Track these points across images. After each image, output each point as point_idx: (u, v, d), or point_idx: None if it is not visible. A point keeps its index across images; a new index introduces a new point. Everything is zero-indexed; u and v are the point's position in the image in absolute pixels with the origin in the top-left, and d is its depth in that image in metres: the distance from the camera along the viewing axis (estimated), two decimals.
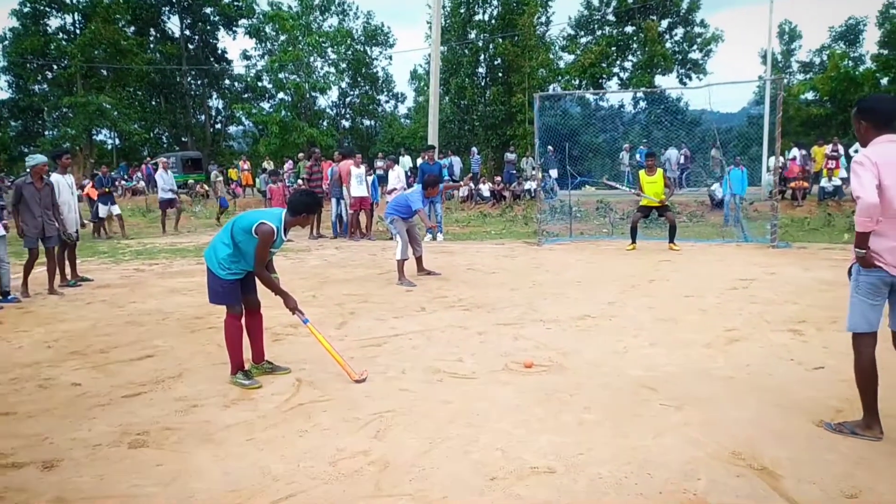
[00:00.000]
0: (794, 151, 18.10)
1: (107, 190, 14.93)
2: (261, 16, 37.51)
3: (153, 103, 40.26)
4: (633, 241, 11.06)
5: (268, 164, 26.02)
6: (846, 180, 17.02)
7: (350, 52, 38.95)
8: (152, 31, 39.69)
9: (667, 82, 35.21)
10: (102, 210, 14.91)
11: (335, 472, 3.04)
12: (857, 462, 3.03)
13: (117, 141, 38.30)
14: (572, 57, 35.66)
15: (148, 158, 32.22)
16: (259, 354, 4.59)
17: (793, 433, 3.37)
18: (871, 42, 48.28)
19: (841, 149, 17.54)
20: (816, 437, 3.33)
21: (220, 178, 21.65)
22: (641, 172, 11.17)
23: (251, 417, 3.75)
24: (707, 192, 17.58)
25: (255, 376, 4.42)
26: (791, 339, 5.15)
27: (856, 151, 17.31)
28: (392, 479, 2.95)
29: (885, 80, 30.13)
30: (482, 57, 33.86)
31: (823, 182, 16.85)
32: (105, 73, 35.17)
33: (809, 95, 33.60)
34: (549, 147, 18.09)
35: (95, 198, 14.98)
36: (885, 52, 30.19)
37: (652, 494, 2.77)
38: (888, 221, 3.14)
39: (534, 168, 21.64)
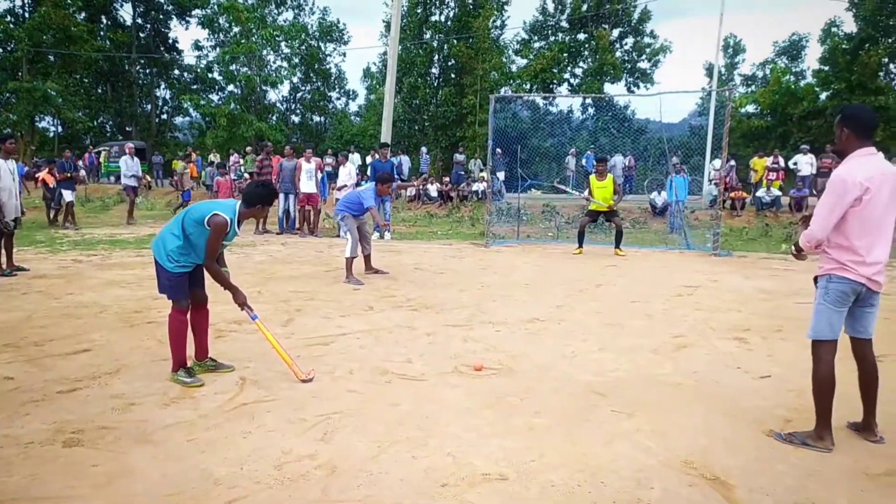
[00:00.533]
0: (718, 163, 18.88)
1: (69, 175, 14.16)
2: (215, 6, 36.46)
3: (99, 91, 38.69)
4: (580, 246, 11.23)
5: (214, 157, 25.27)
6: (784, 191, 17.82)
7: (304, 48, 38.30)
8: (104, 19, 38.09)
9: (615, 90, 36.12)
10: (68, 195, 14.18)
11: (280, 475, 2.93)
12: (809, 473, 3.04)
13: (60, 128, 36.48)
14: (525, 61, 36.10)
15: (91, 147, 30.83)
16: (202, 351, 4.40)
17: (743, 442, 3.39)
18: (812, 58, 50.66)
19: (781, 161, 18.31)
20: (767, 446, 3.35)
21: (187, 171, 20.63)
22: (592, 177, 11.32)
23: (192, 417, 3.59)
24: (648, 200, 18.08)
25: (197, 374, 4.24)
26: (736, 346, 5.27)
27: (794, 164, 18.20)
28: (340, 485, 2.86)
29: (823, 96, 31.65)
30: (436, 57, 33.98)
31: (761, 192, 17.56)
32: (52, 58, 33.46)
33: (750, 108, 35.00)
34: (498, 150, 18.27)
35: (52, 184, 14.20)
36: (826, 68, 31.64)
37: (605, 503, 2.76)
38: (862, 239, 3.20)
39: (481, 169, 21.83)
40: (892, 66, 30.99)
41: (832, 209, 3.17)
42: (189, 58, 39.95)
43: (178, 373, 4.14)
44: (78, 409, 3.69)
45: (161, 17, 39.26)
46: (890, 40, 29.84)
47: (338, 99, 42.98)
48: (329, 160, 16.60)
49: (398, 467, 3.04)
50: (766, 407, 3.90)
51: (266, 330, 4.33)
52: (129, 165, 15.13)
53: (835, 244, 3.26)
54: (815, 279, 3.40)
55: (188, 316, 4.22)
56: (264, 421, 3.55)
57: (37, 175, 14.75)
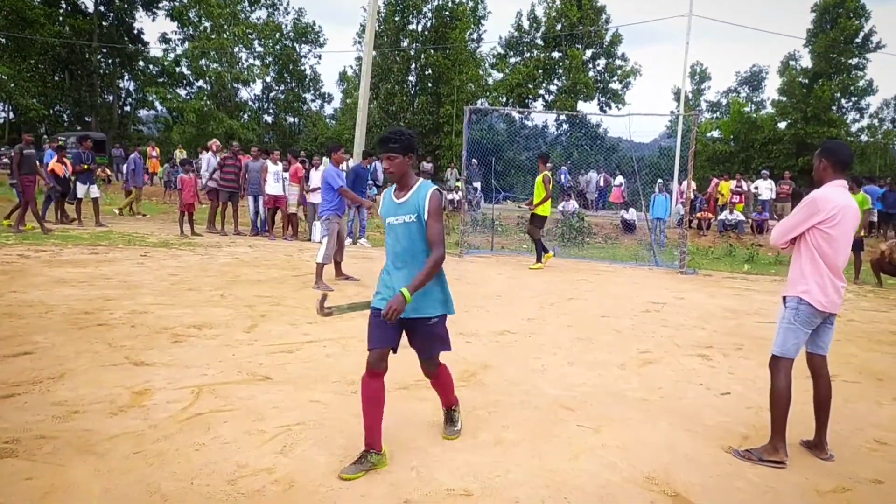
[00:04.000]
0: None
1: (86, 167, 13.05)
2: None
3: (56, 78, 37.17)
4: (546, 252, 10.91)
5: (180, 153, 24.65)
6: (745, 214, 18.36)
7: (278, 47, 37.88)
8: (63, 3, 36.70)
9: (588, 108, 36.62)
10: (81, 190, 13.12)
11: (233, 491, 2.78)
12: (764, 491, 3.11)
13: (11, 115, 35.05)
14: (501, 75, 36.42)
15: (45, 138, 29.77)
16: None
17: (704, 459, 3.43)
18: (771, 88, 52.60)
19: (744, 185, 18.86)
20: (725, 462, 3.40)
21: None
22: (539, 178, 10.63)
23: (141, 427, 3.39)
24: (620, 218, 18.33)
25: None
26: (700, 363, 5.32)
27: (755, 188, 18.81)
28: (297, 500, 2.74)
29: (782, 125, 32.81)
30: (413, 66, 34.00)
31: (724, 215, 17.98)
32: (4, 41, 32.17)
33: (715, 133, 36.06)
34: (474, 160, 18.33)
35: (62, 174, 13.00)
36: (784, 99, 32.87)
37: None
38: (830, 262, 3.38)
39: (458, 179, 21.87)
40: (843, 100, 32.40)
41: (799, 224, 3.42)
42: (155, 50, 38.88)
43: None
44: (14, 416, 3.44)
45: (126, 6, 37.64)
46: (841, 77, 31.26)
47: (312, 101, 42.62)
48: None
49: (360, 482, 2.92)
50: (726, 423, 3.96)
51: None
52: (212, 164, 13.54)
53: (808, 265, 3.41)
54: (784, 298, 3.52)
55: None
56: (220, 432, 3.38)
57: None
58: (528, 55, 36.30)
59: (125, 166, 14.75)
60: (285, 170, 13.39)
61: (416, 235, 3.11)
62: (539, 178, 10.50)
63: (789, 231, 3.47)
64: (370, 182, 14.35)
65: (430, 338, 3.25)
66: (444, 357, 5.07)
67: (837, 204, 3.34)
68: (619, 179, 21.72)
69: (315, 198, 12.16)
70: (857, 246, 10.65)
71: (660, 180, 16.76)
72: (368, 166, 12.93)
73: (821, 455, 3.50)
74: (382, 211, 3.21)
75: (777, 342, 3.49)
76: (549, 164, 10.86)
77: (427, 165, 23.47)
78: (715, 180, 20.54)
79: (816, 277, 3.38)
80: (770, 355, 3.54)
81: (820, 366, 3.56)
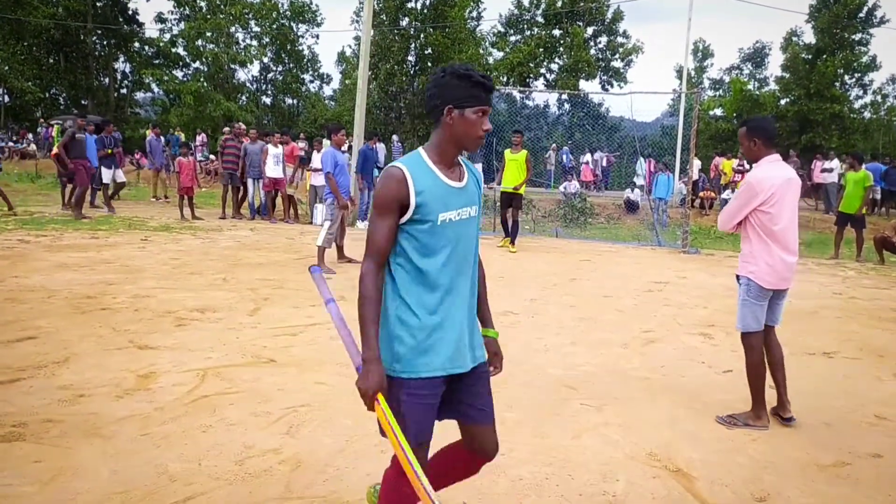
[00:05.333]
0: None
1: (109, 151, 12.96)
2: None
3: (51, 61, 36.74)
4: (507, 236, 10.66)
5: (178, 135, 24.51)
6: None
7: (275, 27, 37.44)
8: None
9: (590, 87, 36.32)
10: (107, 175, 13.00)
11: (241, 471, 2.81)
12: (765, 466, 3.14)
13: (6, 98, 34.78)
14: (501, 54, 36.06)
15: (41, 120, 29.56)
16: None
17: (705, 435, 3.47)
18: (774, 65, 52.04)
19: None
20: (727, 439, 3.44)
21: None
22: (507, 151, 10.35)
23: (147, 410, 3.42)
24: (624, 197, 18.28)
25: None
26: (702, 342, 5.35)
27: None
28: (304, 480, 2.76)
29: (784, 102, 32.56)
30: (412, 45, 33.62)
31: (726, 195, 17.92)
32: None
33: (718, 111, 35.80)
34: None
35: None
36: (787, 75, 32.58)
37: (572, 497, 2.75)
38: (775, 242, 3.48)
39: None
40: (846, 77, 32.11)
41: (740, 209, 3.51)
42: (151, 31, 38.34)
43: None
44: (20, 400, 3.47)
45: None
46: (844, 53, 30.98)
47: (311, 82, 42.23)
48: (302, 144, 16.23)
49: (366, 462, 2.94)
50: (727, 401, 3.98)
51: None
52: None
53: (757, 245, 3.51)
54: (738, 277, 3.66)
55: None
56: (226, 414, 3.41)
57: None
58: (528, 33, 35.87)
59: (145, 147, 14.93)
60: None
61: (476, 236, 2.03)
62: (523, 156, 10.17)
63: (732, 218, 3.56)
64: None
65: (489, 388, 2.08)
66: None
67: (774, 183, 3.42)
68: (587, 157, 21.86)
69: (316, 180, 12.12)
70: (860, 223, 10.63)
71: (638, 159, 16.68)
72: (374, 146, 12.88)
73: (783, 414, 3.62)
74: (430, 201, 1.88)
75: (738, 319, 3.64)
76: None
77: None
78: (718, 158, 20.48)
79: (766, 257, 3.48)
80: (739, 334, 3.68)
81: (770, 336, 3.69)
